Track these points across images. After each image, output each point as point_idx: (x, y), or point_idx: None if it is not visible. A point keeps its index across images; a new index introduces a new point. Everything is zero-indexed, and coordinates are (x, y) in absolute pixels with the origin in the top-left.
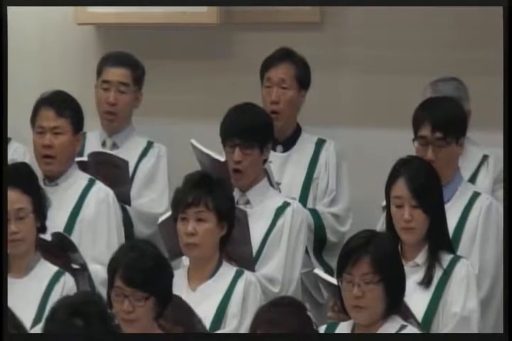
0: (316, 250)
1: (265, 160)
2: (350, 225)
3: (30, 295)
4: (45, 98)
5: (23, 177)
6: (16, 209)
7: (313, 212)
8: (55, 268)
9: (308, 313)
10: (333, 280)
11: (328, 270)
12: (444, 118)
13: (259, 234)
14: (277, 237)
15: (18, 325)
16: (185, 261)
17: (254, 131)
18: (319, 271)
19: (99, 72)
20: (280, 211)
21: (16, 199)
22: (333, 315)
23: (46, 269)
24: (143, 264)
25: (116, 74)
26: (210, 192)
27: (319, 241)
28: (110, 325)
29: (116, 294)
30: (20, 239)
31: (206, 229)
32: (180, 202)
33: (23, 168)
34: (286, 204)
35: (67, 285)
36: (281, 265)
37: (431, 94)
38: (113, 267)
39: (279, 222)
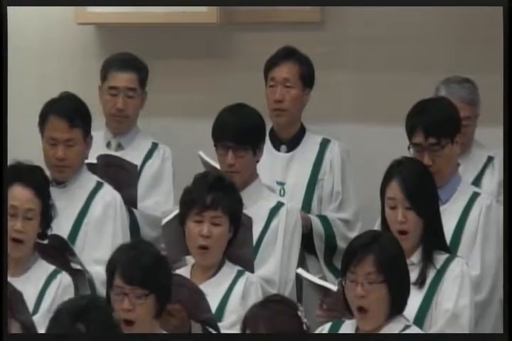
0: (327, 257)
1: (258, 161)
2: (360, 228)
3: (26, 293)
4: (56, 105)
5: (37, 179)
6: (26, 209)
7: (323, 220)
8: (52, 267)
9: (299, 313)
10: (317, 280)
11: (339, 276)
12: (435, 122)
13: (254, 235)
14: (272, 238)
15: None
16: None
17: (247, 133)
18: (302, 271)
19: (104, 77)
20: (274, 211)
21: (28, 199)
22: (322, 314)
23: (43, 268)
24: (141, 262)
25: (123, 79)
26: (226, 195)
27: (329, 248)
28: (115, 330)
29: (116, 293)
30: (22, 240)
31: (220, 233)
32: (194, 203)
33: (38, 172)
34: (280, 205)
35: (64, 282)
36: (277, 266)
37: (445, 95)
38: (112, 267)
39: (274, 223)
